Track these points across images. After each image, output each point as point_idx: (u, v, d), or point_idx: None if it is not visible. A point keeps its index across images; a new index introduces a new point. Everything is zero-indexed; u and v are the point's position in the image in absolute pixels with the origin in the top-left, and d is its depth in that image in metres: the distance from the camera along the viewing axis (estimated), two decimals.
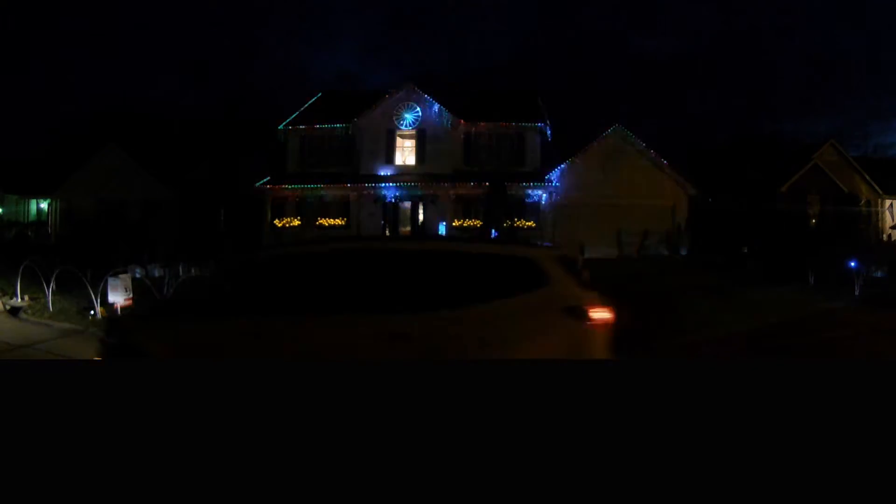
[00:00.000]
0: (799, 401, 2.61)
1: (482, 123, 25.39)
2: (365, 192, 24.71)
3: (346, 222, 24.83)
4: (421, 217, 26.04)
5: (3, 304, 10.56)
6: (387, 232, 26.35)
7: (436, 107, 25.16)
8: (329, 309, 4.45)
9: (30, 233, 30.88)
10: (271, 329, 4.41)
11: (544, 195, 24.28)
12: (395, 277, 4.54)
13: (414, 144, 25.68)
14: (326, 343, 4.32)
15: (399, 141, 25.82)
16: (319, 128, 26.18)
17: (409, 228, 26.65)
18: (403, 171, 25.28)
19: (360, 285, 4.54)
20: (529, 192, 24.06)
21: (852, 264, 14.47)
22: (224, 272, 5.74)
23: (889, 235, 29.63)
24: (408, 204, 26.10)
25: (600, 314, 4.40)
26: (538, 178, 24.51)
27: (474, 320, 4.31)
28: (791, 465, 2.15)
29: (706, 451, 2.22)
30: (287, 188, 25.08)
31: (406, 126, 25.56)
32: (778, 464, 2.16)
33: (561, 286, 4.43)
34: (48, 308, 10.21)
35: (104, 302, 10.03)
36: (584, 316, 4.36)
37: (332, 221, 25.01)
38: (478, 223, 23.10)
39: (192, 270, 16.15)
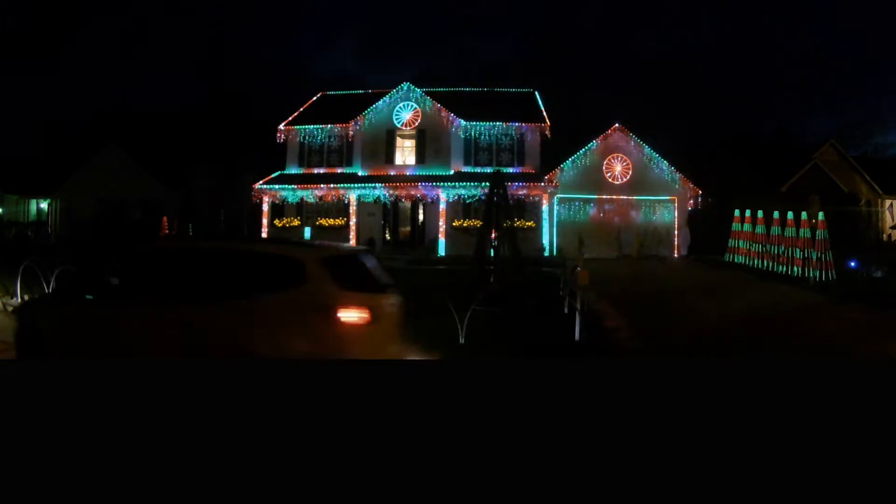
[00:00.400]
0: (797, 400, 2.60)
1: (482, 123, 25.37)
2: (364, 193, 24.69)
3: (346, 223, 24.81)
4: (421, 217, 26.02)
5: (3, 304, 10.55)
6: (386, 232, 26.33)
7: (436, 107, 25.13)
8: (148, 298, 5.04)
9: (30, 233, 30.86)
10: (108, 315, 5.04)
11: (544, 195, 24.27)
12: (193, 273, 5.07)
13: (414, 144, 25.64)
14: (142, 327, 4.87)
15: (399, 141, 25.79)
16: (319, 128, 26.16)
17: (408, 228, 26.62)
18: (403, 171, 25.26)
19: (169, 279, 5.12)
20: (529, 192, 24.05)
21: (852, 264, 14.46)
22: (99, 265, 6.50)
23: (889, 235, 29.62)
24: (408, 204, 26.08)
25: (351, 315, 4.63)
26: (538, 177, 24.50)
27: (241, 312, 4.69)
28: (788, 465, 2.14)
29: (701, 451, 2.21)
30: (286, 188, 25.06)
31: (406, 126, 25.54)
32: (775, 463, 2.15)
33: (317, 286, 4.68)
34: None
35: None
36: (334, 315, 4.59)
37: (331, 222, 25.00)
38: (478, 223, 23.06)
39: None
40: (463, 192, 23.97)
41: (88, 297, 5.42)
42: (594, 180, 25.10)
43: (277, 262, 4.94)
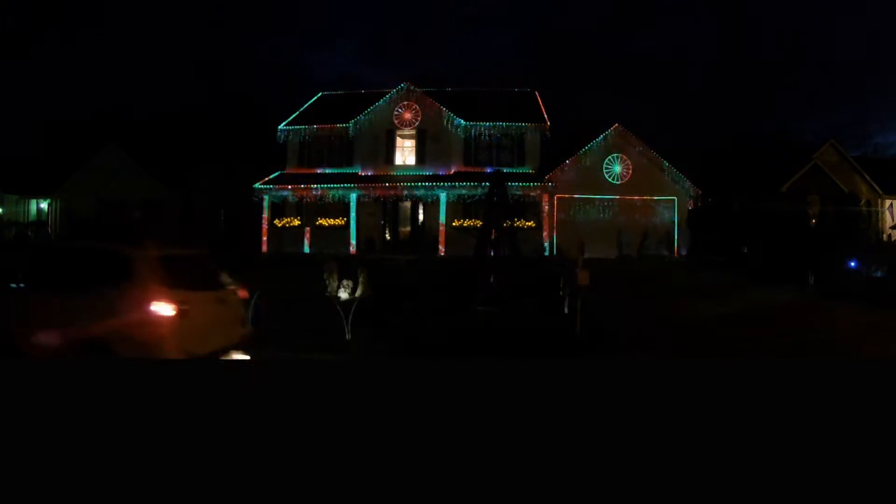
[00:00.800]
0: (796, 400, 2.60)
1: (482, 123, 25.35)
2: (364, 192, 24.69)
3: (346, 222, 24.80)
4: (421, 217, 26.01)
5: None
6: (386, 232, 26.31)
7: (435, 107, 25.12)
8: (34, 285, 5.91)
9: (30, 233, 30.82)
10: (14, 300, 5.84)
11: (544, 195, 24.26)
12: (58, 266, 5.99)
13: (414, 144, 25.63)
14: (28, 308, 5.63)
15: (399, 141, 25.78)
16: (319, 128, 26.14)
17: (408, 228, 26.61)
18: (403, 171, 25.24)
19: (44, 271, 6.05)
20: (529, 192, 24.03)
21: (852, 264, 14.46)
22: (15, 257, 7.38)
23: (889, 235, 29.61)
24: (408, 204, 26.07)
25: (163, 308, 5.29)
26: (538, 177, 24.49)
27: (82, 299, 5.41)
28: (788, 465, 2.14)
29: (701, 451, 2.21)
30: (287, 188, 25.06)
31: (406, 126, 25.52)
32: (774, 463, 2.15)
33: (141, 281, 5.42)
34: None
35: None
36: (148, 307, 5.28)
37: (331, 221, 24.99)
38: (478, 223, 23.06)
39: None
40: (463, 192, 23.95)
41: (12, 285, 6.22)
42: (594, 180, 25.08)
43: (113, 259, 5.70)
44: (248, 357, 6.17)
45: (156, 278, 5.44)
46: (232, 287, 6.38)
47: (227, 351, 5.95)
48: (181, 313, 5.33)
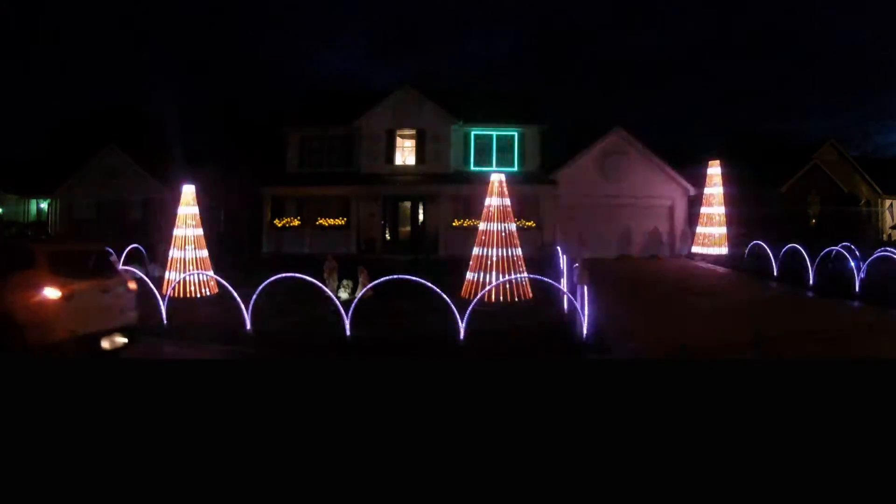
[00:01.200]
0: (796, 401, 2.60)
1: (482, 124, 25.34)
2: (365, 192, 24.68)
3: (346, 222, 24.80)
4: (421, 217, 26.02)
5: None
6: (386, 232, 26.30)
7: (435, 107, 25.11)
8: None
9: (30, 233, 30.83)
10: None
11: (544, 195, 24.24)
12: None
13: (414, 144, 25.63)
14: None
15: (399, 141, 25.78)
16: (320, 128, 26.12)
17: (408, 228, 26.61)
18: (403, 171, 25.23)
19: None
20: (529, 192, 24.00)
21: (852, 264, 14.46)
22: None
23: (889, 235, 29.64)
24: (408, 204, 26.07)
25: (51, 293, 6.40)
26: (538, 177, 24.47)
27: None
28: (788, 466, 2.14)
29: (700, 452, 2.21)
30: (287, 188, 25.03)
31: (406, 126, 25.52)
32: (774, 464, 2.15)
33: (38, 270, 6.53)
34: None
35: None
36: (41, 292, 6.39)
37: (332, 221, 24.98)
38: (478, 223, 23.06)
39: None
40: (463, 192, 23.94)
41: None
42: (594, 180, 25.07)
43: (21, 252, 6.90)
44: (126, 340, 7.11)
45: (48, 268, 6.59)
46: (119, 278, 7.53)
47: (109, 333, 6.96)
48: (66, 297, 6.47)
